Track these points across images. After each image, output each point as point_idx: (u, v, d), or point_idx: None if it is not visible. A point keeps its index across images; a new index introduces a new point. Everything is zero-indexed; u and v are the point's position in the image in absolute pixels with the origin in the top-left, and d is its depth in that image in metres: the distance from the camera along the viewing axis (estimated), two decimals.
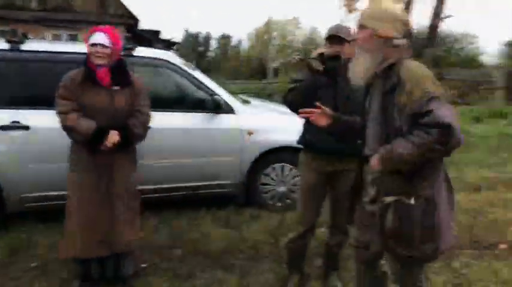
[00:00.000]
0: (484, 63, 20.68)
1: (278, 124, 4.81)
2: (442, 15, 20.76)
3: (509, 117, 12.36)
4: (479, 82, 17.19)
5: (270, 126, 4.78)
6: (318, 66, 2.99)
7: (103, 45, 2.94)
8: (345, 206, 2.89)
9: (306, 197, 3.16)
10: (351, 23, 3.21)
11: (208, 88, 4.62)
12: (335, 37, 3.00)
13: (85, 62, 2.98)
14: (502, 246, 3.94)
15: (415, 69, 2.10)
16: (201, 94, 4.58)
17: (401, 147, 2.03)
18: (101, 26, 3.07)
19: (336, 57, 2.99)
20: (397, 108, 2.05)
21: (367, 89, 2.30)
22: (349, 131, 2.79)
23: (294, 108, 3.04)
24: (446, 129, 1.96)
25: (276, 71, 29.35)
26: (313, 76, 2.99)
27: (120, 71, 3.06)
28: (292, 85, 3.11)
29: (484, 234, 4.15)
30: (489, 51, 29.06)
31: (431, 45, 20.64)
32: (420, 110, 1.98)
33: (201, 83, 4.62)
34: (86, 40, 3.02)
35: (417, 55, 20.86)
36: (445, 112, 1.98)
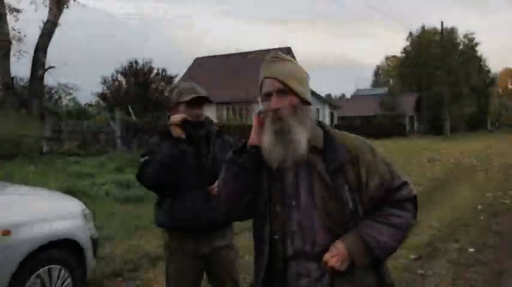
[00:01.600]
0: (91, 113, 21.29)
1: (42, 211, 3.52)
2: (46, 66, 20.37)
3: None
4: (98, 133, 17.59)
5: (32, 216, 3.40)
6: (180, 133, 2.59)
7: None
8: None
9: None
10: None
11: None
12: (195, 99, 2.66)
13: None
14: None
15: (357, 137, 1.84)
16: None
17: (382, 234, 1.71)
18: None
19: (201, 123, 2.71)
20: (348, 187, 1.70)
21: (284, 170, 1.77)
22: None
23: (154, 184, 2.57)
24: (415, 201, 1.81)
25: None
26: (175, 145, 2.56)
27: None
28: (145, 158, 2.58)
29: None
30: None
31: (37, 97, 19.84)
32: (392, 184, 1.75)
33: None
34: None
35: (22, 107, 19.64)
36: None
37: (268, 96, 1.75)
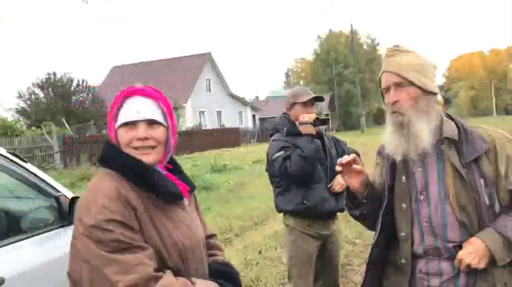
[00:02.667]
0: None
1: None
2: None
3: None
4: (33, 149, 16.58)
5: None
6: (312, 131, 2.93)
7: (154, 123, 1.54)
8: (337, 263, 3.17)
9: (305, 268, 3.01)
10: None
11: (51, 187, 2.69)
12: (311, 100, 3.01)
13: (125, 157, 1.51)
14: None
15: (493, 128, 1.78)
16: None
17: None
18: (138, 85, 1.59)
19: (327, 121, 3.08)
20: (484, 181, 1.64)
21: (404, 164, 1.76)
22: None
23: (301, 174, 2.86)
24: None
25: None
26: (311, 141, 2.89)
27: (175, 165, 1.71)
28: (281, 153, 2.89)
29: None
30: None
31: None
32: None
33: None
34: (111, 115, 1.55)
35: None
36: None
37: (387, 90, 1.73)
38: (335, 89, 53.19)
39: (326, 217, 3.00)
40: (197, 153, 22.42)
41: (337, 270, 3.23)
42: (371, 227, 1.89)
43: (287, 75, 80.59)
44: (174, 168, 1.68)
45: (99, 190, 1.43)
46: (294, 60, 79.32)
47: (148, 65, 37.73)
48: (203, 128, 31.76)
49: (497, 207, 1.65)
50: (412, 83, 1.68)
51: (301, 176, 2.85)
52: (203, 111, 35.60)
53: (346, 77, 53.40)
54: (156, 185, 1.49)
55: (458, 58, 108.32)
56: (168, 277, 1.40)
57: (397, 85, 1.69)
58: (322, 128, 3.11)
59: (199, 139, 24.84)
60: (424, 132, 1.66)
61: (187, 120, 32.23)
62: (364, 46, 60.22)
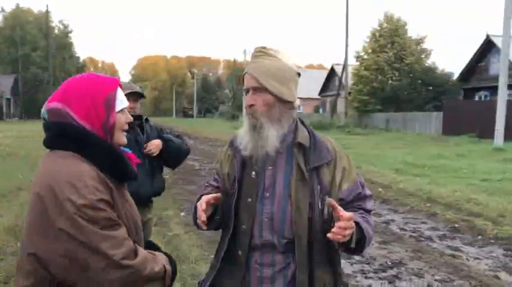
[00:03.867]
0: None
1: None
2: None
3: None
4: None
5: None
6: None
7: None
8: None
9: None
10: None
11: None
12: (131, 94, 3.16)
13: (106, 145, 1.56)
14: None
15: (335, 142, 1.89)
16: None
17: (367, 229, 1.77)
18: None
19: (139, 117, 3.26)
20: (320, 188, 1.75)
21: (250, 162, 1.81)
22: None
23: None
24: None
25: None
26: None
27: None
28: None
29: None
30: None
31: None
32: (362, 193, 1.84)
33: None
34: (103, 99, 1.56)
35: None
36: None
37: (247, 91, 1.79)
38: (20, 72, 48.32)
39: (143, 202, 3.14)
40: None
41: None
42: (218, 229, 1.91)
43: None
44: None
45: (81, 171, 1.43)
46: None
47: None
48: None
49: (326, 214, 1.73)
50: (268, 91, 1.73)
51: None
52: None
53: (34, 60, 49.33)
54: (129, 171, 1.61)
55: (144, 58, 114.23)
56: (140, 249, 1.52)
57: (255, 90, 1.75)
58: (142, 120, 3.35)
59: None
60: (272, 138, 1.74)
61: None
62: (56, 31, 56.81)
